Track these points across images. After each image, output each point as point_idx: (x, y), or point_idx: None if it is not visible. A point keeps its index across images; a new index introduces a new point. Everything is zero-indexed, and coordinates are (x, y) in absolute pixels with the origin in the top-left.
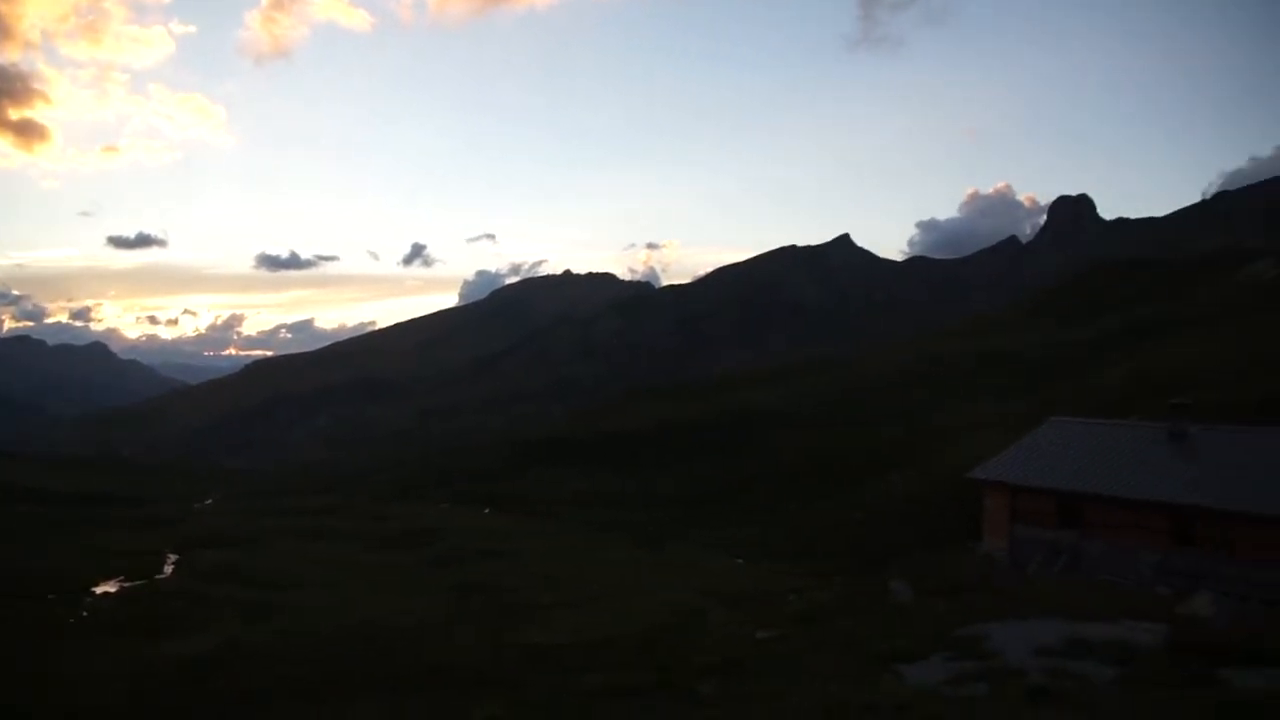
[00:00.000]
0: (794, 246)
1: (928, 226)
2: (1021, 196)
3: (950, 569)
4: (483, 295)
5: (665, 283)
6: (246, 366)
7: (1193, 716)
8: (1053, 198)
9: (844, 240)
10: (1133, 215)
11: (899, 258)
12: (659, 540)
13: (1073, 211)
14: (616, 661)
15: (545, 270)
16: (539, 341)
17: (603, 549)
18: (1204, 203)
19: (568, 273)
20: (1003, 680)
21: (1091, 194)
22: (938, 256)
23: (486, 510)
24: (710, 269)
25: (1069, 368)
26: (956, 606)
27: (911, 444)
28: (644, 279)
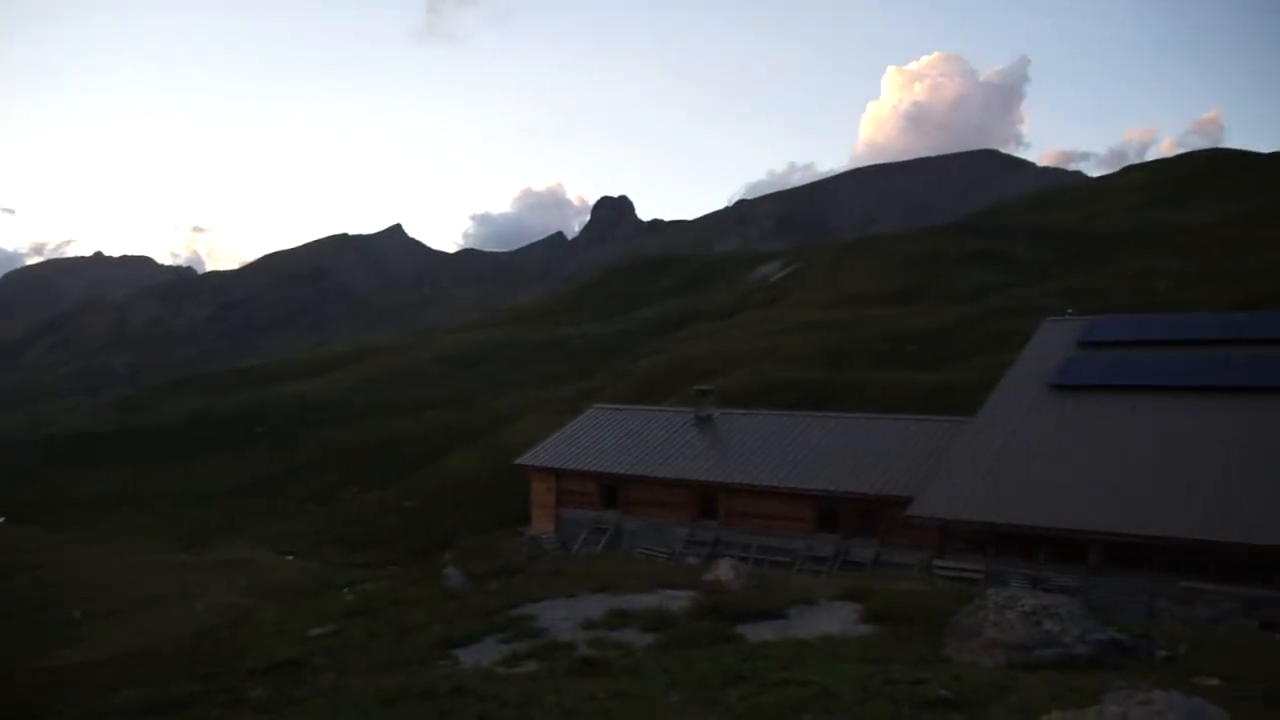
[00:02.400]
0: (345, 235)
1: (481, 220)
2: (571, 195)
3: (501, 552)
4: None
5: (210, 268)
6: None
7: (717, 667)
8: (598, 197)
9: (396, 230)
10: (667, 217)
11: (452, 249)
12: (204, 539)
13: (615, 210)
14: (157, 674)
15: (73, 251)
16: (65, 329)
17: (142, 553)
18: (728, 209)
19: (99, 254)
20: (553, 655)
21: (631, 196)
22: (490, 249)
23: (2, 519)
24: (259, 255)
25: (610, 356)
26: (508, 588)
27: (464, 430)
28: (187, 264)
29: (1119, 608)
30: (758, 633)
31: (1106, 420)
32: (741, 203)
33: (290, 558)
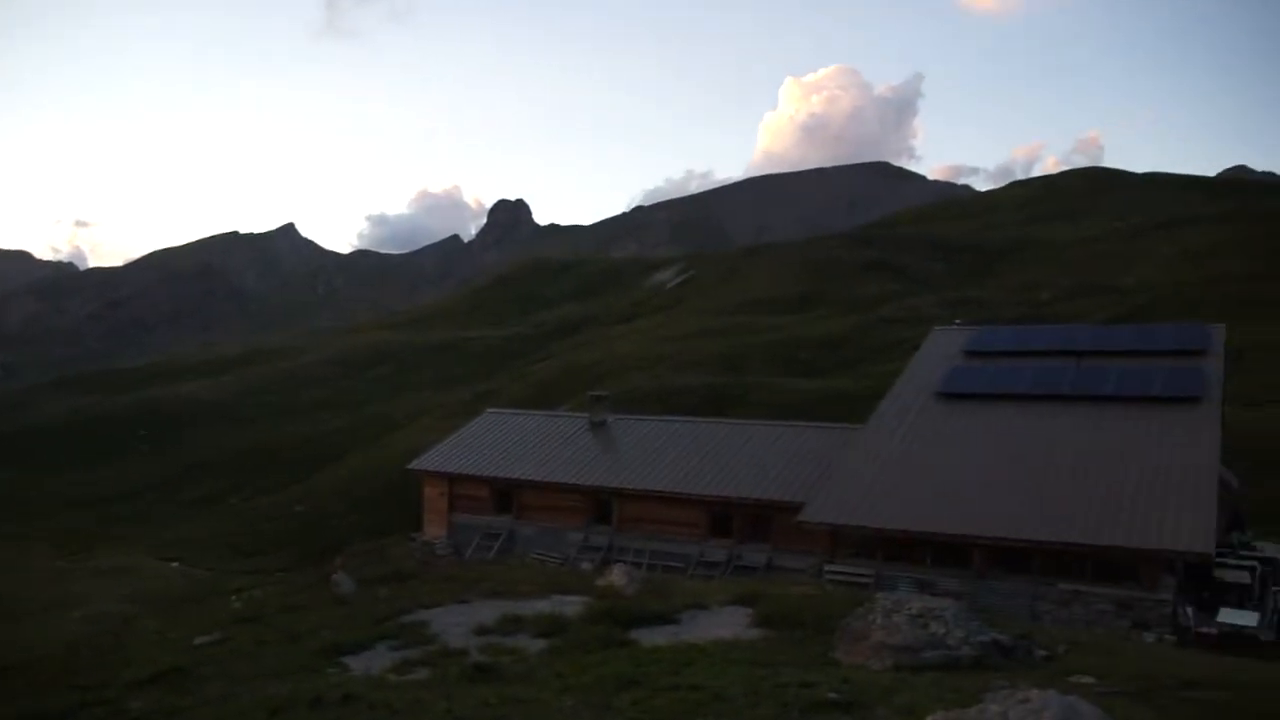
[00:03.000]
0: (236, 233)
1: (377, 221)
2: (469, 198)
3: (393, 558)
4: None
5: (94, 264)
6: None
7: (610, 672)
8: (495, 200)
9: (289, 229)
10: (564, 221)
11: (347, 249)
12: (83, 546)
13: (512, 214)
14: (32, 686)
15: None
16: None
17: (16, 560)
18: (625, 214)
19: None
20: (445, 662)
21: (529, 199)
22: (386, 251)
23: None
24: (146, 251)
25: (506, 359)
26: (399, 595)
27: (356, 434)
28: (69, 259)
29: (1003, 610)
30: (650, 637)
31: (990, 428)
32: (639, 208)
33: (175, 564)
